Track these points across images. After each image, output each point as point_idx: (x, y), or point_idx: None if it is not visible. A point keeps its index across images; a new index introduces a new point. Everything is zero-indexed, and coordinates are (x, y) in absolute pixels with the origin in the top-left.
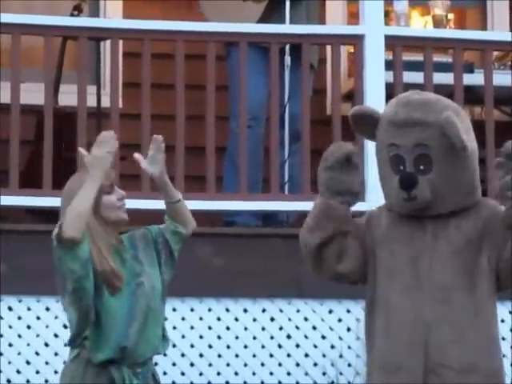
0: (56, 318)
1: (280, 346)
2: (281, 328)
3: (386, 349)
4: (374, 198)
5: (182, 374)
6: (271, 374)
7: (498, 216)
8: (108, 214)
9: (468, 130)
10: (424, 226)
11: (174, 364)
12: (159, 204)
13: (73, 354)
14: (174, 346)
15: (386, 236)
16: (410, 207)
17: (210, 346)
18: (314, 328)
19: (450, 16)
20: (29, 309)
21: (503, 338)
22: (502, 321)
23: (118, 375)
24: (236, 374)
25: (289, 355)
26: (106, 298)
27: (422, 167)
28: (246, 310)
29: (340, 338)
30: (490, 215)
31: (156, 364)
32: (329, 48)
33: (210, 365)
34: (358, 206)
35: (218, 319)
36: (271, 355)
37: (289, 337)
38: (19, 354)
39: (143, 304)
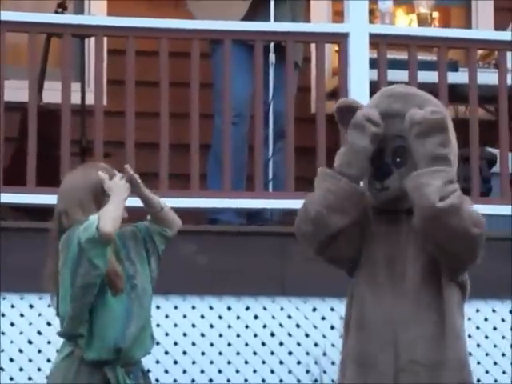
0: (39, 315)
1: (264, 344)
2: (264, 326)
3: (360, 346)
4: None
5: (166, 371)
6: (255, 371)
7: None
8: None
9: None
10: (400, 225)
11: (157, 361)
12: None
13: (64, 353)
14: (158, 343)
15: (369, 233)
16: (381, 198)
17: (194, 344)
18: (298, 326)
19: (435, 14)
20: (12, 306)
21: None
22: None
23: (112, 375)
24: (220, 371)
25: (272, 353)
26: (108, 299)
27: (398, 159)
28: (229, 308)
29: (324, 336)
30: None
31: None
32: (313, 46)
33: (194, 362)
34: None
35: (202, 317)
36: (255, 353)
37: (272, 335)
38: (2, 351)
39: (138, 305)
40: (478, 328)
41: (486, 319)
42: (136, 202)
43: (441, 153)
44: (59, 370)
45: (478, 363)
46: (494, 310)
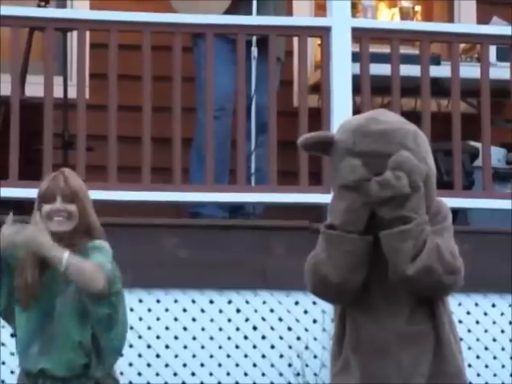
0: None
1: (246, 338)
2: (247, 319)
3: (362, 368)
4: None
5: (148, 365)
6: (237, 365)
7: None
8: (46, 223)
9: (425, 155)
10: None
11: (139, 355)
12: (126, 195)
13: None
14: (140, 337)
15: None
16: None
17: (176, 338)
18: (280, 319)
19: (417, 8)
20: None
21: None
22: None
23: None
24: (202, 365)
25: (255, 347)
26: (18, 313)
27: None
28: (212, 302)
29: (306, 330)
30: None
31: (121, 355)
32: (296, 40)
33: (176, 356)
34: (324, 199)
35: (184, 310)
36: (237, 346)
37: (255, 328)
38: (3, 363)
39: (53, 324)
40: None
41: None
42: (109, 195)
43: (404, 215)
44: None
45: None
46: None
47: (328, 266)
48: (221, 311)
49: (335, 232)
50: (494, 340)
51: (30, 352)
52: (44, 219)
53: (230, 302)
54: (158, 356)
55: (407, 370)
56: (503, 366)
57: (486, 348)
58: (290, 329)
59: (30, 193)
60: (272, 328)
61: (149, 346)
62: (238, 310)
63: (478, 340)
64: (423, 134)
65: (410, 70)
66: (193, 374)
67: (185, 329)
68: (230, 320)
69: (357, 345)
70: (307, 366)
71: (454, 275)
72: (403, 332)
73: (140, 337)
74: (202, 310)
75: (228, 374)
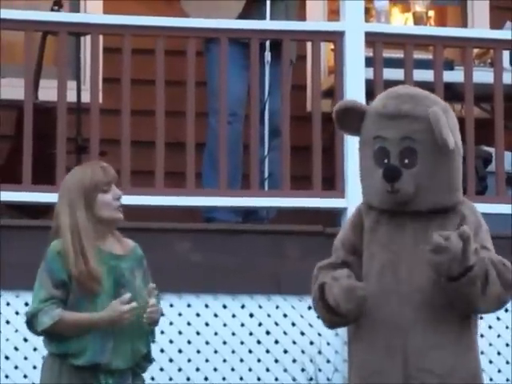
0: None
1: (259, 342)
2: (260, 324)
3: (364, 353)
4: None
5: (161, 369)
6: (250, 370)
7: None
8: (101, 212)
9: (454, 128)
10: (403, 227)
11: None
12: (139, 200)
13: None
14: (153, 341)
15: (368, 238)
16: (392, 200)
17: (189, 342)
18: (293, 324)
19: (431, 13)
20: (8, 304)
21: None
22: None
23: (91, 377)
24: (215, 369)
25: (268, 351)
26: (84, 307)
27: (406, 161)
28: (225, 306)
29: (319, 335)
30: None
31: None
32: (309, 44)
33: (189, 360)
34: (337, 203)
35: (197, 315)
36: (250, 351)
37: (268, 333)
38: None
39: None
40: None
41: (480, 317)
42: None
43: (468, 265)
44: (46, 365)
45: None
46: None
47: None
48: (234, 316)
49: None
50: (490, 345)
51: (106, 347)
52: (103, 208)
53: (243, 306)
54: (171, 360)
55: (414, 363)
56: (499, 371)
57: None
58: (302, 333)
59: (43, 197)
60: (285, 333)
61: (162, 351)
62: (251, 315)
63: (490, 345)
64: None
65: (424, 75)
66: (206, 379)
67: (198, 333)
68: (243, 325)
69: (364, 333)
70: (320, 370)
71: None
72: (413, 323)
73: (153, 341)
74: (215, 315)
75: (241, 378)
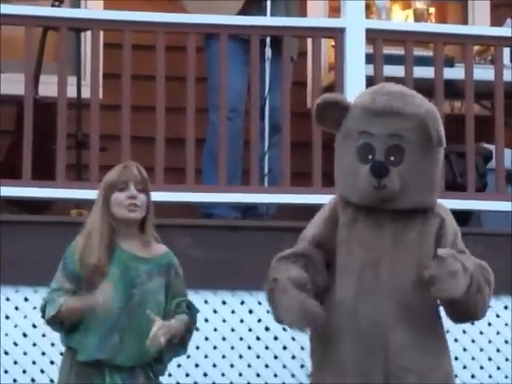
0: (34, 308)
1: (258, 339)
2: (259, 320)
3: (345, 351)
4: None
5: None
6: (249, 366)
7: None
8: (115, 211)
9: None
10: (382, 226)
11: None
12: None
13: (65, 347)
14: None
15: (345, 234)
16: (376, 196)
17: None
18: None
19: (431, 10)
20: (7, 299)
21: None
22: (498, 316)
23: (96, 373)
24: (214, 365)
25: (267, 347)
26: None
27: (392, 158)
28: (224, 302)
29: None
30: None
31: None
32: (310, 41)
33: (189, 357)
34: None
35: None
36: (249, 347)
37: (267, 329)
38: None
39: (129, 316)
40: (472, 323)
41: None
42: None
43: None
44: (61, 363)
45: (473, 359)
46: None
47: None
48: (233, 312)
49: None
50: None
51: (108, 343)
52: (115, 207)
53: (242, 302)
54: None
55: (394, 363)
56: (498, 368)
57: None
58: None
59: (43, 192)
60: (284, 329)
61: None
62: (251, 311)
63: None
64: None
65: (424, 72)
66: (205, 375)
67: (197, 329)
68: (242, 321)
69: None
70: None
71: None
72: (394, 322)
73: None
74: (215, 311)
75: (240, 374)
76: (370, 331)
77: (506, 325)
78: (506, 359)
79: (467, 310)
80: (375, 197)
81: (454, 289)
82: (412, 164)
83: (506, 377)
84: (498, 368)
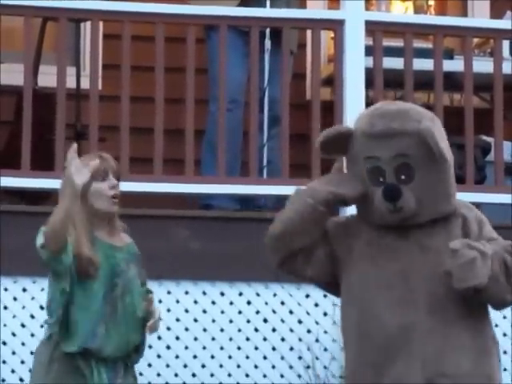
0: (33, 299)
1: (256, 330)
2: (257, 312)
3: (382, 362)
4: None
5: (158, 356)
6: (247, 357)
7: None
8: (94, 201)
9: (443, 137)
10: (406, 237)
11: (150, 346)
12: (138, 186)
13: (45, 337)
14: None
15: (369, 249)
16: (395, 218)
17: (187, 329)
18: (291, 312)
19: (431, 2)
20: (6, 289)
21: (504, 334)
22: (504, 317)
23: (84, 365)
24: (212, 357)
25: (265, 339)
26: (87, 295)
27: (403, 177)
28: (222, 294)
29: (316, 323)
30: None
31: None
32: (309, 33)
33: (187, 348)
34: None
35: (195, 302)
36: (248, 339)
37: (265, 321)
38: None
39: (113, 306)
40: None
41: (504, 317)
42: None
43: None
44: (39, 352)
45: None
46: None
47: (277, 219)
48: (232, 303)
49: (300, 190)
50: (505, 335)
51: (97, 332)
52: (95, 197)
53: (240, 294)
54: (168, 347)
55: (432, 370)
56: (505, 370)
57: (505, 352)
58: (300, 321)
59: (42, 183)
60: (282, 321)
61: (159, 338)
62: (249, 303)
63: None
64: (439, 121)
65: (423, 64)
66: (203, 366)
67: (195, 320)
68: (240, 312)
69: (379, 342)
70: (317, 358)
71: None
72: (430, 329)
73: None
74: (213, 302)
75: (238, 366)
76: (406, 341)
77: (505, 318)
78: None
79: (498, 295)
80: (393, 219)
81: (474, 277)
82: (423, 179)
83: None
84: (505, 369)
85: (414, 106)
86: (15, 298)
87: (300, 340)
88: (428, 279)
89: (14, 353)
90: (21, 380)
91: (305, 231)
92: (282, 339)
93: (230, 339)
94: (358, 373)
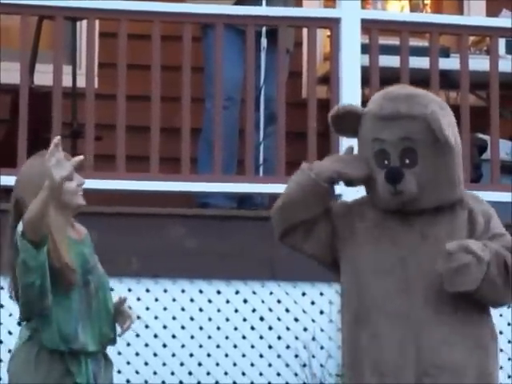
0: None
1: (253, 328)
2: (254, 310)
3: (376, 350)
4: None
5: (155, 354)
6: (243, 355)
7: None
8: (67, 199)
9: (451, 124)
10: (410, 223)
11: (146, 345)
12: (134, 185)
13: (24, 337)
14: (147, 326)
15: (371, 232)
16: (396, 201)
17: (183, 327)
18: (287, 310)
19: (427, 1)
20: (1, 288)
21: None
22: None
23: (72, 362)
24: (208, 355)
25: (261, 337)
26: (59, 294)
27: (407, 161)
28: (219, 292)
29: (313, 321)
30: (475, 217)
31: (129, 344)
32: (305, 31)
33: (183, 346)
34: None
35: (192, 300)
36: (244, 337)
37: (262, 319)
38: None
39: (88, 302)
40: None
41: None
42: (117, 185)
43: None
44: (21, 353)
45: None
46: None
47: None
48: (228, 302)
49: (305, 165)
50: (509, 342)
51: (78, 332)
52: (68, 196)
53: (237, 292)
54: (164, 346)
55: (427, 361)
56: (500, 368)
57: (501, 350)
58: (296, 320)
59: None
60: (279, 319)
61: (156, 336)
62: (245, 301)
63: None
64: (449, 109)
65: (419, 62)
66: (199, 365)
67: (192, 319)
68: (237, 310)
69: (375, 329)
70: (314, 356)
71: None
72: (426, 319)
73: (147, 326)
74: (210, 301)
75: (234, 364)
76: (400, 329)
77: (509, 324)
78: (509, 359)
79: (493, 296)
80: (394, 202)
81: (463, 283)
82: (427, 164)
83: (509, 376)
84: (500, 368)
85: (427, 92)
86: (11, 297)
87: (296, 338)
88: (426, 270)
89: (10, 351)
90: None
91: (305, 203)
92: (279, 337)
93: (227, 337)
94: (354, 363)
